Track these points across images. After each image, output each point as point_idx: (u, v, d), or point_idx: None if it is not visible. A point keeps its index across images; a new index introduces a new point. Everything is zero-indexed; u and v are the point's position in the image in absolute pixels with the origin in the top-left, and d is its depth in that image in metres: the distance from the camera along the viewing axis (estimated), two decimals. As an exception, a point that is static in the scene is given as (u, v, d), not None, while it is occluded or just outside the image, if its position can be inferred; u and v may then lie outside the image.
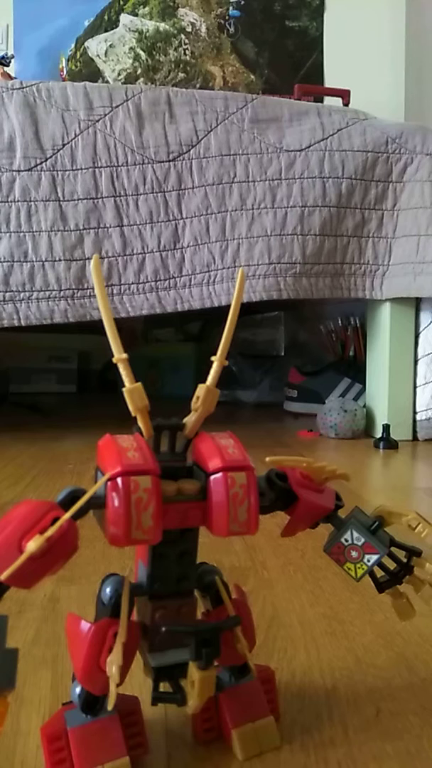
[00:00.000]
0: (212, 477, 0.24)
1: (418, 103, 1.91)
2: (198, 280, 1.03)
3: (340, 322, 1.43)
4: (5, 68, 1.28)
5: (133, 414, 0.24)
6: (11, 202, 0.98)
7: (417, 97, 1.91)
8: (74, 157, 1.00)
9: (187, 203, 1.03)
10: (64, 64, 1.96)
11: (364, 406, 1.22)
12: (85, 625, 0.25)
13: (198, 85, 1.97)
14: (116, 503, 0.22)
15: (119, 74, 1.97)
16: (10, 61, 1.32)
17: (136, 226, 1.01)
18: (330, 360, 1.46)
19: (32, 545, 0.21)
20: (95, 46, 1.97)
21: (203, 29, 1.99)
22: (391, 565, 0.29)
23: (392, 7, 1.99)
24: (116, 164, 1.01)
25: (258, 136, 1.05)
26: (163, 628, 0.25)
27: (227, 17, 1.99)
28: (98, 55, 1.97)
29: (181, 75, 1.98)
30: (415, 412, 1.14)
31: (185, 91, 1.06)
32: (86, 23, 1.96)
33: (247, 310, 1.52)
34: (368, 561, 0.27)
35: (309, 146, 1.06)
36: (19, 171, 0.98)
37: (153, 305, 1.02)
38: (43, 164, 0.99)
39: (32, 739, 0.28)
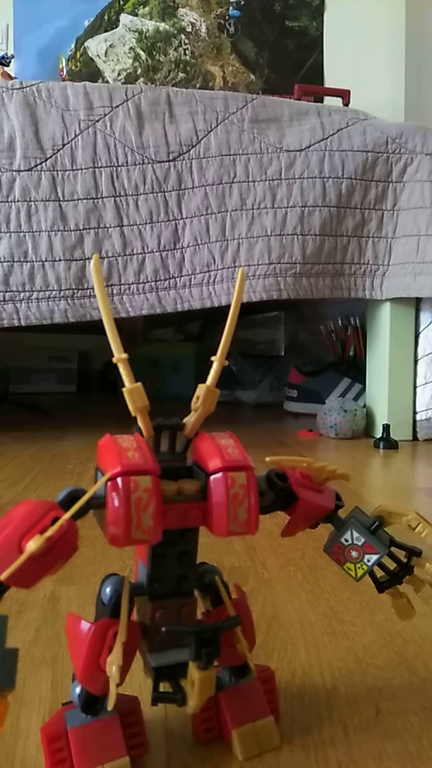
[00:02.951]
0: (212, 477, 0.24)
1: (418, 103, 1.91)
2: (198, 280, 1.03)
3: (340, 322, 1.43)
4: (5, 68, 1.28)
5: (133, 414, 0.24)
6: (11, 202, 0.98)
7: (417, 97, 1.91)
8: (74, 157, 1.00)
9: (187, 203, 1.03)
10: (64, 64, 1.96)
11: (364, 406, 1.22)
12: (85, 625, 0.25)
13: (198, 85, 1.97)
14: (116, 503, 0.22)
15: (119, 74, 1.97)
16: (10, 61, 1.32)
17: (136, 226, 1.01)
18: (330, 360, 1.46)
19: (32, 545, 0.21)
20: (95, 46, 1.97)
21: (203, 29, 1.99)
22: (391, 565, 0.29)
23: (392, 7, 1.99)
24: (116, 164, 1.01)
25: (258, 136, 1.05)
26: (163, 628, 0.25)
27: (227, 17, 1.99)
28: (98, 55, 1.97)
29: (181, 75, 1.98)
30: (415, 412, 1.14)
31: (185, 91, 1.06)
32: (86, 23, 1.96)
33: (247, 310, 1.52)
34: (368, 561, 0.27)
35: (309, 146, 1.06)
36: (19, 171, 0.98)
37: (153, 305, 1.02)
38: (43, 164, 0.99)
39: (32, 739, 0.28)
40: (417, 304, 1.13)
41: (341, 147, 1.06)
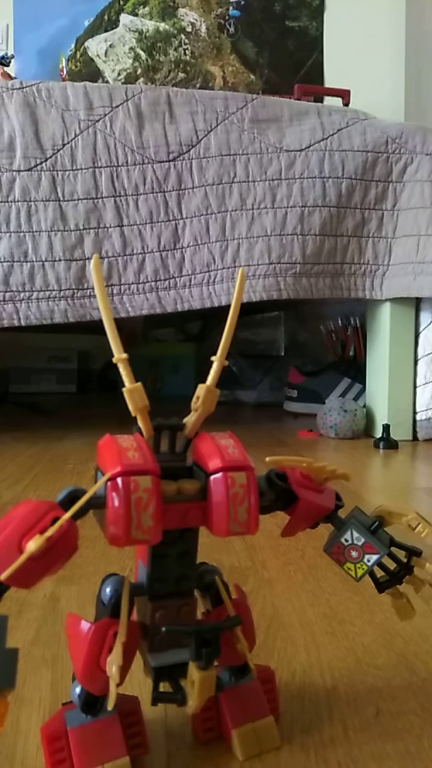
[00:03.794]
0: (212, 477, 0.24)
1: (418, 103, 1.91)
2: (198, 280, 1.03)
3: (340, 322, 1.42)
4: (5, 68, 1.28)
5: (133, 414, 0.24)
6: (11, 202, 0.98)
7: (417, 97, 1.91)
8: (74, 157, 1.00)
9: (187, 203, 1.03)
10: (64, 64, 1.96)
11: (364, 406, 1.22)
12: (85, 625, 0.25)
13: (198, 85, 1.97)
14: (116, 503, 0.22)
15: (119, 74, 1.97)
16: (10, 61, 1.32)
17: (136, 226, 1.01)
18: (330, 360, 1.46)
19: (32, 545, 0.21)
20: (95, 46, 1.97)
21: (203, 29, 1.99)
22: (391, 565, 0.29)
23: (392, 7, 1.99)
24: (116, 164, 1.01)
25: (258, 136, 1.05)
26: (163, 628, 0.25)
27: (227, 17, 1.99)
28: (98, 55, 1.97)
29: (181, 75, 1.98)
30: (415, 412, 1.14)
31: (185, 91, 1.06)
32: (86, 23, 1.96)
33: (247, 310, 1.52)
34: (368, 561, 0.27)
35: (309, 146, 1.06)
36: (19, 171, 0.98)
37: (153, 305, 1.02)
38: (43, 164, 0.99)
39: (32, 739, 0.28)
40: (417, 304, 1.13)
41: (341, 147, 1.06)
